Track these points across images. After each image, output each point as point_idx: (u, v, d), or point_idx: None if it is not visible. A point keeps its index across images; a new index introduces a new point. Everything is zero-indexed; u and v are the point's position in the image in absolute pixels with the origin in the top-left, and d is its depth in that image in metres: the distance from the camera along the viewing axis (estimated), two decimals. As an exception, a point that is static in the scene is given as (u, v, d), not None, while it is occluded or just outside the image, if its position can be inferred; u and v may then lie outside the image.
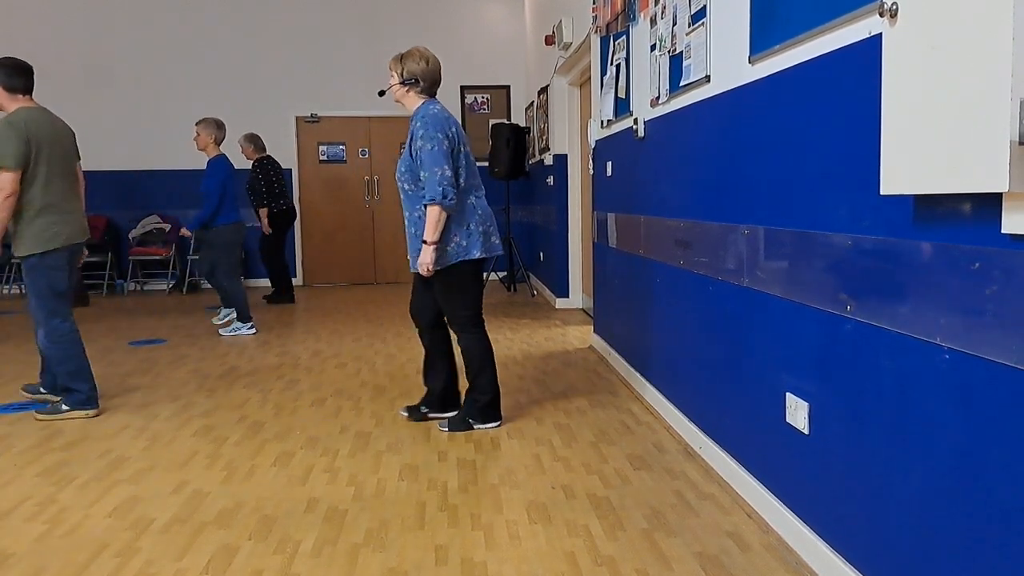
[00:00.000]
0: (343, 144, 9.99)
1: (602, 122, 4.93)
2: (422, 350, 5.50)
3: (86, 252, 4.30)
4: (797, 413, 2.30)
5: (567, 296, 7.48)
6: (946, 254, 1.58)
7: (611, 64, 4.60)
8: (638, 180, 4.14)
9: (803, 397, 2.27)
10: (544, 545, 2.43)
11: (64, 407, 3.95)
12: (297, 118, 9.87)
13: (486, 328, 3.62)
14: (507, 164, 8.30)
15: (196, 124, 6.28)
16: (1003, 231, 1.42)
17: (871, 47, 1.84)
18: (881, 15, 1.64)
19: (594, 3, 5.05)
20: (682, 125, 3.38)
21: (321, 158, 9.96)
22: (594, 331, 5.51)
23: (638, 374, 4.21)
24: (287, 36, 9.77)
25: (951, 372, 1.59)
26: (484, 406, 3.60)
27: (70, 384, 3.94)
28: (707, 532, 2.50)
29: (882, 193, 1.68)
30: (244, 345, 5.86)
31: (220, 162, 6.21)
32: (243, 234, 6.40)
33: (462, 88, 10.02)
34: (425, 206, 3.34)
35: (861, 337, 1.94)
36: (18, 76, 3.86)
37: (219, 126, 6.25)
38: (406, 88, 3.46)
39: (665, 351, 3.71)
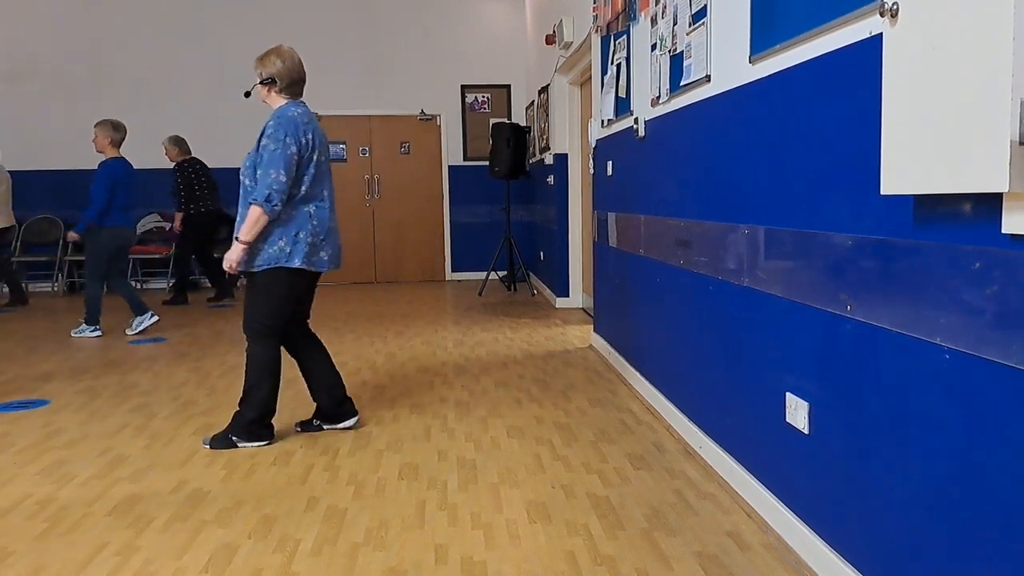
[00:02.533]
0: (343, 143, 9.99)
1: (602, 121, 4.93)
2: (422, 349, 5.52)
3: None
4: (797, 413, 2.30)
5: (567, 295, 7.48)
6: (946, 254, 1.58)
7: (611, 64, 4.60)
8: (638, 180, 4.14)
9: (803, 397, 2.27)
10: (544, 544, 2.43)
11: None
12: (297, 117, 9.86)
13: (278, 344, 3.45)
14: (507, 163, 8.30)
15: (94, 126, 6.16)
16: (1003, 231, 1.42)
17: (871, 47, 1.84)
18: (881, 15, 1.64)
19: (594, 3, 5.05)
20: (682, 125, 3.38)
21: (321, 157, 9.95)
22: (594, 331, 5.51)
23: (638, 373, 4.21)
24: (287, 36, 9.73)
25: (951, 372, 1.59)
26: (250, 423, 3.39)
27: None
28: (707, 531, 2.50)
29: (882, 193, 1.68)
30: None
31: (112, 165, 6.05)
32: (126, 239, 6.25)
33: (462, 87, 10.02)
34: (250, 204, 3.22)
35: (861, 337, 1.94)
36: None
37: (116, 127, 6.13)
38: (266, 88, 3.37)
39: (665, 351, 3.71)
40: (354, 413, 3.66)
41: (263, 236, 3.27)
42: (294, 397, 4.21)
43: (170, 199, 8.33)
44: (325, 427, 3.64)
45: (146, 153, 9.66)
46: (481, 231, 10.15)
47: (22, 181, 8.88)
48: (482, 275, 9.32)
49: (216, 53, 9.69)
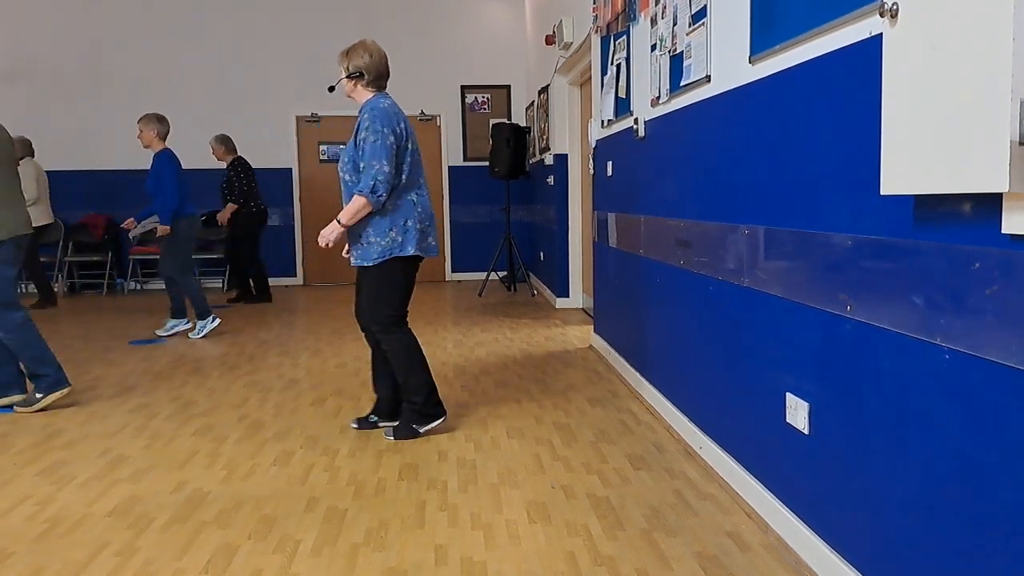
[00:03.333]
0: (343, 144, 9.97)
1: (602, 122, 4.93)
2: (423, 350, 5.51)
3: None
4: (797, 413, 2.30)
5: (567, 296, 7.48)
6: (946, 254, 1.58)
7: (611, 64, 4.60)
8: (638, 180, 4.14)
9: (803, 397, 2.27)
10: (544, 545, 2.43)
11: (38, 395, 4.02)
12: (297, 118, 9.87)
13: (409, 327, 3.51)
14: (507, 164, 8.31)
15: (137, 122, 6.13)
16: (1003, 231, 1.42)
17: (871, 47, 1.84)
18: (881, 15, 1.64)
19: (594, 3, 5.05)
20: (682, 125, 3.38)
21: (321, 158, 9.96)
22: (594, 331, 5.51)
23: (638, 374, 4.21)
24: (287, 36, 9.77)
25: (951, 372, 1.59)
26: (422, 405, 3.48)
27: (38, 370, 4.01)
28: (707, 532, 2.50)
29: (882, 193, 1.68)
30: (244, 344, 5.86)
31: (170, 155, 6.06)
32: (198, 228, 6.30)
33: (462, 88, 10.02)
34: (354, 194, 3.30)
35: (861, 337, 1.94)
36: None
37: (160, 120, 6.12)
38: (353, 82, 3.44)
39: (665, 351, 3.71)
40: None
41: (374, 230, 3.36)
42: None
43: (218, 195, 8.27)
44: (381, 424, 3.65)
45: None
46: (481, 231, 10.15)
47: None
48: (482, 275, 9.32)
49: (216, 53, 9.70)
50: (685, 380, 3.41)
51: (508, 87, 10.08)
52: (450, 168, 10.12)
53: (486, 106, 10.11)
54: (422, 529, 2.56)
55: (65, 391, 4.08)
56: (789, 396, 2.35)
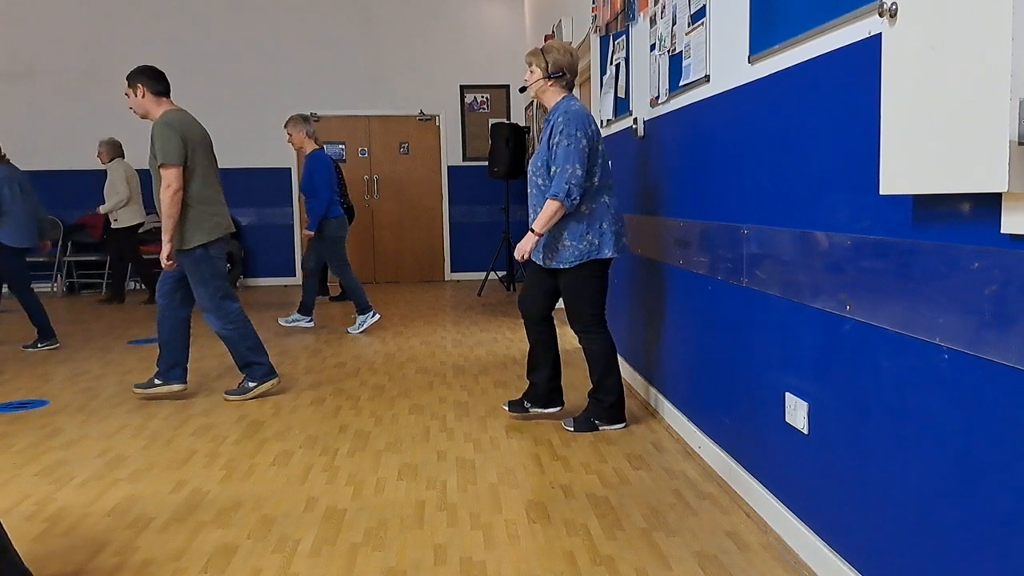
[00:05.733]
0: (343, 144, 9.98)
1: (602, 122, 4.93)
2: (422, 349, 5.52)
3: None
4: (796, 413, 2.30)
5: (566, 296, 7.46)
6: (946, 254, 1.58)
7: (611, 64, 4.60)
8: (638, 180, 4.14)
9: (802, 397, 2.27)
10: (543, 544, 2.43)
11: (250, 384, 4.18)
12: (297, 117, 9.87)
13: (608, 329, 3.55)
14: (506, 164, 8.31)
15: (285, 126, 6.25)
16: (1003, 231, 1.42)
17: (871, 47, 1.84)
18: (881, 15, 1.64)
19: (594, 3, 5.05)
20: (682, 125, 3.38)
21: (321, 157, 9.96)
22: (593, 331, 5.50)
23: (637, 374, 4.20)
24: (287, 36, 9.77)
25: (951, 372, 1.59)
26: (610, 407, 3.54)
27: (252, 358, 4.17)
28: (706, 532, 2.50)
29: (882, 193, 1.68)
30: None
31: (321, 157, 6.14)
32: (346, 230, 6.36)
33: (461, 87, 10.01)
34: (547, 198, 3.31)
35: (861, 337, 1.94)
36: (161, 81, 4.26)
37: (306, 120, 6.19)
38: (551, 82, 3.42)
39: (664, 351, 3.71)
40: (561, 402, 3.73)
41: (569, 233, 3.37)
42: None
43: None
44: (532, 409, 3.70)
45: (146, 153, 9.67)
46: (480, 231, 10.15)
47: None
48: (481, 275, 9.32)
49: (216, 53, 9.69)
50: (684, 380, 3.41)
51: (507, 87, 10.08)
52: (449, 168, 10.12)
53: (485, 106, 10.11)
54: (421, 529, 2.56)
55: (275, 381, 4.23)
56: (788, 396, 2.35)
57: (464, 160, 10.13)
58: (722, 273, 2.88)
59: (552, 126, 3.34)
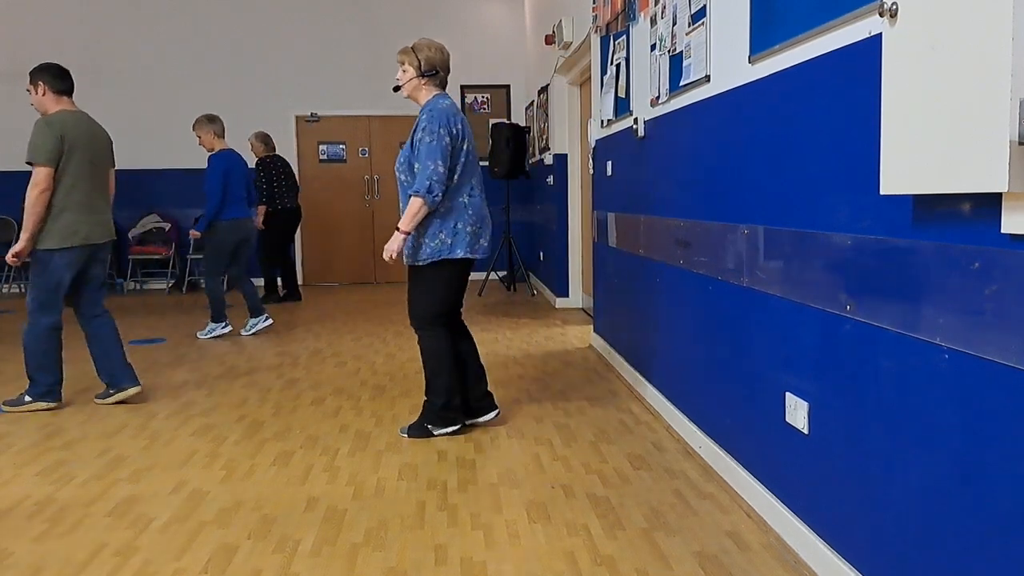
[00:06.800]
0: (343, 144, 9.99)
1: (602, 122, 4.93)
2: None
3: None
4: (797, 413, 2.30)
5: (567, 296, 7.48)
6: (946, 254, 1.58)
7: (611, 64, 4.60)
8: (638, 180, 4.14)
9: (803, 397, 2.27)
10: (543, 544, 2.43)
11: (27, 397, 4.06)
12: (297, 118, 9.87)
13: (446, 330, 3.48)
14: (507, 164, 8.30)
15: (192, 128, 6.13)
16: (1003, 231, 1.42)
17: (871, 47, 1.84)
18: (881, 15, 1.64)
19: (594, 3, 5.04)
20: (682, 125, 3.38)
21: (321, 158, 9.96)
22: (594, 331, 5.51)
23: (638, 374, 4.21)
24: (287, 36, 9.77)
25: (951, 372, 1.59)
26: (440, 408, 3.47)
27: (34, 375, 4.04)
28: (706, 532, 2.50)
29: (882, 193, 1.68)
30: (243, 344, 5.86)
31: (221, 156, 6.04)
32: (243, 232, 6.21)
33: (462, 88, 10.01)
34: (410, 196, 3.30)
35: (861, 337, 1.94)
36: (64, 80, 4.18)
37: (212, 119, 6.09)
38: (424, 80, 3.42)
39: (665, 350, 3.71)
40: (495, 407, 3.66)
41: (424, 230, 3.35)
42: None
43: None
44: (466, 422, 3.60)
45: (145, 153, 9.69)
46: (481, 231, 10.13)
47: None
48: (482, 275, 9.32)
49: (216, 53, 9.69)
50: (685, 380, 3.41)
51: (508, 87, 10.08)
52: (450, 168, 10.11)
53: (486, 106, 10.11)
54: (422, 529, 2.56)
55: (53, 404, 4.09)
56: (788, 396, 2.35)
57: (464, 160, 10.11)
58: (722, 273, 2.88)
59: (417, 123, 3.35)
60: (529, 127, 9.00)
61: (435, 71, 3.41)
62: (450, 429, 3.50)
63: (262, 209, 7.80)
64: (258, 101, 9.72)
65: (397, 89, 3.51)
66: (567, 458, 3.22)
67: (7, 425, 3.84)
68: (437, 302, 3.45)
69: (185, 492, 2.92)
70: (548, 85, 7.66)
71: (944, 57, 1.45)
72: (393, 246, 3.32)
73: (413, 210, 3.27)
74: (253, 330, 6.27)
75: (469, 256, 3.41)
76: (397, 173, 3.44)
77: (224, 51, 9.70)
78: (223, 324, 6.21)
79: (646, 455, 3.23)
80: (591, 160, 5.36)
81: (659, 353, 3.81)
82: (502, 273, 9.20)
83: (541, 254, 8.62)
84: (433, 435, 3.49)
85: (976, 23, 1.35)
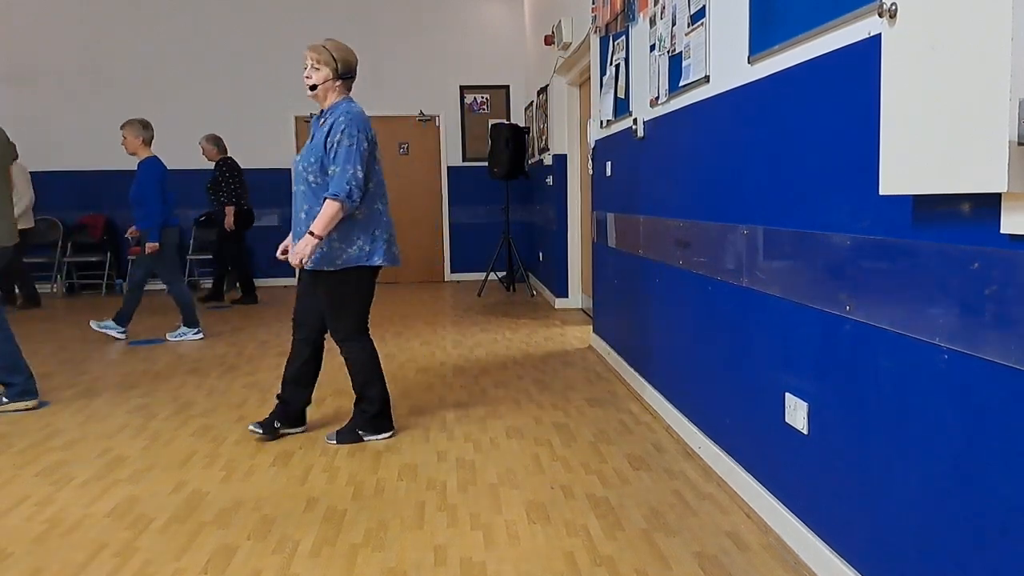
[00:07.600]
0: (342, 144, 9.97)
1: (601, 122, 4.93)
2: (421, 350, 5.52)
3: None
4: (796, 413, 2.30)
5: (566, 296, 7.48)
6: (945, 254, 1.58)
7: (610, 64, 4.60)
8: (637, 180, 4.14)
9: (802, 397, 2.27)
10: (543, 545, 2.43)
11: (4, 399, 4.07)
12: (297, 118, 9.87)
13: (370, 336, 3.48)
14: (506, 164, 8.30)
15: (121, 128, 6.03)
16: (1002, 231, 1.42)
17: (871, 47, 1.84)
18: (881, 15, 1.64)
19: (593, 3, 5.05)
20: (682, 125, 3.38)
21: (320, 158, 9.95)
22: (593, 331, 5.51)
23: (637, 374, 4.21)
24: (287, 36, 9.76)
25: (951, 372, 1.59)
26: (374, 416, 3.46)
27: (5, 379, 4.05)
28: (706, 532, 2.50)
29: (881, 193, 1.68)
30: (243, 344, 5.86)
31: (153, 163, 5.97)
32: (179, 237, 6.23)
33: (461, 88, 10.01)
34: (325, 199, 3.20)
35: (860, 337, 1.94)
36: None
37: (145, 126, 6.03)
38: (339, 82, 3.35)
39: (664, 351, 3.71)
40: (304, 423, 3.65)
41: (341, 237, 3.29)
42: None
43: (205, 197, 8.27)
44: (283, 431, 3.58)
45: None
46: (480, 232, 10.15)
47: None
48: (481, 276, 9.33)
49: (216, 54, 9.69)
50: (684, 380, 3.41)
51: (507, 87, 10.08)
52: (449, 168, 10.12)
53: (485, 106, 10.11)
54: (421, 529, 2.56)
55: (33, 403, 4.09)
56: (788, 396, 2.35)
57: (464, 161, 10.13)
58: (722, 273, 2.89)
59: (332, 125, 3.26)
60: (528, 127, 9.00)
61: (351, 74, 3.38)
62: (382, 436, 3.49)
63: (231, 210, 7.87)
64: (258, 101, 9.73)
65: (314, 88, 3.35)
66: (567, 458, 3.22)
67: (7, 425, 3.84)
68: (359, 312, 3.41)
69: (185, 492, 2.92)
70: (547, 85, 7.66)
71: (944, 57, 1.45)
72: (306, 250, 3.18)
73: (330, 213, 3.18)
74: (182, 338, 6.19)
75: (385, 264, 3.37)
76: (303, 174, 3.31)
77: (224, 51, 9.70)
78: (196, 330, 6.19)
79: (646, 456, 3.23)
80: (590, 160, 5.36)
81: (659, 353, 3.81)
82: (502, 273, 9.20)
83: (540, 254, 8.62)
84: (364, 441, 3.47)
85: (976, 23, 1.36)
